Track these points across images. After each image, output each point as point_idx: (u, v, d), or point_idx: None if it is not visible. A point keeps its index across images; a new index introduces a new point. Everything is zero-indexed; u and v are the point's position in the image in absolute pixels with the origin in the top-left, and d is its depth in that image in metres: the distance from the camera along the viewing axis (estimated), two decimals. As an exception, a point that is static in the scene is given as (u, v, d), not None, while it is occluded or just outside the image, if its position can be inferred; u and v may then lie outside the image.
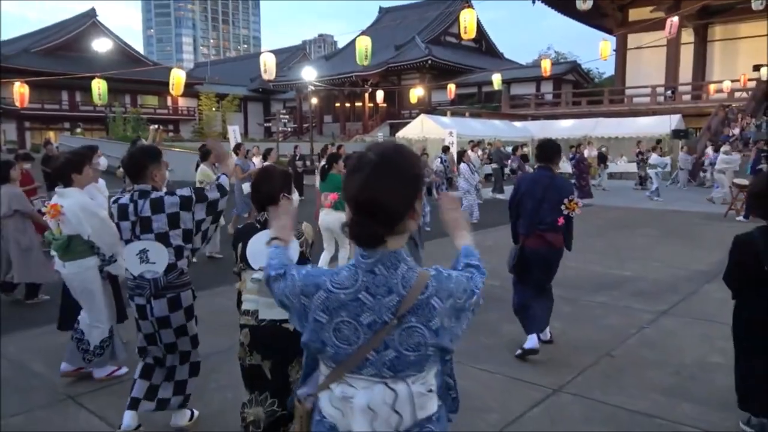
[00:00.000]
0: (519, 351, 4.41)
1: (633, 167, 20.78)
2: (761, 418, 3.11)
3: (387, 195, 1.39)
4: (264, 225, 2.60)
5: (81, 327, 4.04)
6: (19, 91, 13.64)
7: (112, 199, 3.22)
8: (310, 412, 1.57)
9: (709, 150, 18.13)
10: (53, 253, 4.01)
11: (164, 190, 3.22)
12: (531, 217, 4.39)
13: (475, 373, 4.12)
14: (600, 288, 6.44)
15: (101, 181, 5.46)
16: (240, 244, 2.66)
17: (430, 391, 1.49)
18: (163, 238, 3.04)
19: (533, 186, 4.45)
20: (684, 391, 3.83)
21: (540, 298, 4.51)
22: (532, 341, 4.36)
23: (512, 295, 4.65)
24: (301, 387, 1.64)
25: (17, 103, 14.17)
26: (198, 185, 6.28)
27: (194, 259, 7.26)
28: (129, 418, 3.18)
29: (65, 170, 4.01)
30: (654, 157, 16.29)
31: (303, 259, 2.52)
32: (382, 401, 1.41)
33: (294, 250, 2.45)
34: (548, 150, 4.53)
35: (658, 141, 19.20)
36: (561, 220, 4.34)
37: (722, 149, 15.80)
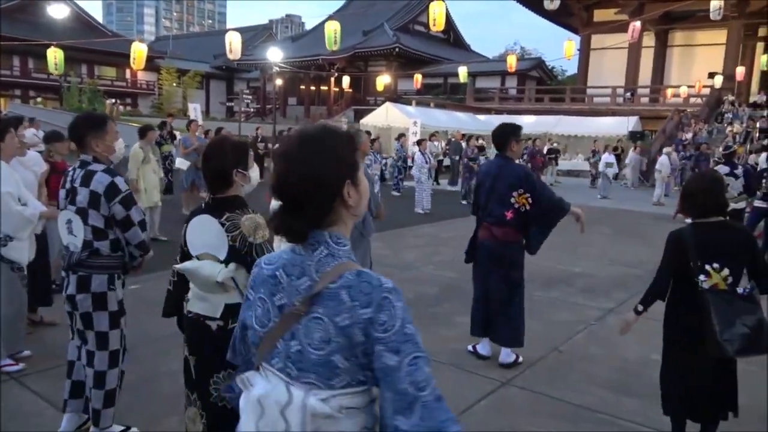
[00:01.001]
0: (471, 348, 4.44)
1: (587, 165, 21.34)
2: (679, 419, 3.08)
3: (310, 182, 1.27)
4: (209, 207, 2.34)
5: None
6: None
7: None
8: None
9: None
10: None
11: (112, 165, 3.01)
12: (481, 208, 4.29)
13: (433, 366, 4.17)
14: (552, 283, 6.62)
15: (31, 154, 4.96)
16: (186, 224, 2.41)
17: (340, 413, 1.23)
18: (82, 213, 2.83)
19: (484, 176, 4.38)
20: (626, 387, 3.99)
21: (499, 304, 4.24)
22: (485, 347, 4.37)
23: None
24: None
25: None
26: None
27: (164, 237, 7.06)
28: (66, 423, 3.03)
29: None
30: (605, 156, 16.83)
31: (243, 257, 2.27)
32: (274, 400, 1.26)
33: (219, 242, 2.24)
34: (500, 134, 4.21)
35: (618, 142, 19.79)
36: (509, 214, 4.08)
37: (664, 150, 16.50)
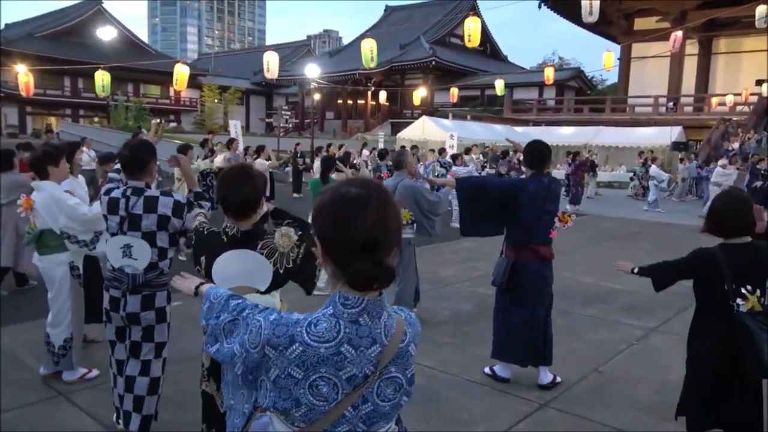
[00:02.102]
0: (489, 371, 4.30)
1: (628, 177, 20.91)
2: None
3: (393, 228, 1.31)
4: (232, 239, 2.30)
5: (47, 329, 3.99)
6: (24, 80, 13.62)
7: (104, 189, 3.16)
8: None
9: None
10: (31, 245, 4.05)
11: (153, 187, 3.21)
12: (528, 230, 4.04)
13: (463, 384, 4.16)
14: (591, 301, 6.49)
15: (80, 178, 5.34)
16: (203, 257, 2.35)
17: None
18: (149, 237, 3.00)
19: (533, 197, 4.01)
20: (669, 411, 3.85)
21: (548, 326, 4.19)
22: (506, 370, 4.23)
23: (494, 313, 4.32)
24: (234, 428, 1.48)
25: (22, 92, 14.12)
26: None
27: (183, 257, 7.26)
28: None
29: (42, 162, 3.91)
30: (654, 169, 16.32)
31: (291, 275, 2.27)
32: None
33: (262, 273, 2.22)
34: (538, 154, 4.10)
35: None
36: (553, 233, 4.10)
37: (719, 162, 15.90)
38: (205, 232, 2.45)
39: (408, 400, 1.42)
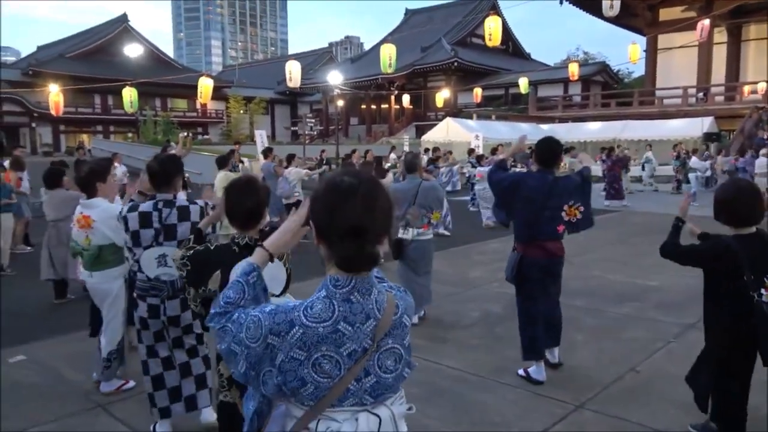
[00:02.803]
0: (523, 373, 4.24)
1: (667, 170, 20.43)
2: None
3: (381, 217, 1.41)
4: (244, 248, 2.33)
5: (100, 337, 4.15)
6: (54, 99, 14.04)
7: (129, 206, 3.24)
8: None
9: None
10: (80, 266, 4.15)
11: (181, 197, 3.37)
12: (530, 226, 4.09)
13: (496, 387, 4.12)
14: (624, 299, 6.37)
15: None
16: (218, 272, 2.34)
17: (410, 409, 1.52)
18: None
19: (533, 192, 4.05)
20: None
21: (558, 319, 4.32)
22: (540, 372, 4.17)
23: (518, 313, 4.37)
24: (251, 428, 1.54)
25: (52, 111, 14.61)
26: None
27: None
28: (166, 426, 3.34)
29: (90, 179, 4.00)
30: (694, 160, 15.87)
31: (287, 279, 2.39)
32: (368, 429, 1.40)
33: (276, 273, 2.27)
34: (550, 151, 4.13)
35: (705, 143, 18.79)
36: (561, 228, 4.08)
37: (761, 152, 15.32)
38: (212, 248, 2.46)
39: (410, 372, 1.52)
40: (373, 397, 1.43)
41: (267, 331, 1.38)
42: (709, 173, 17.09)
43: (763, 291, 2.82)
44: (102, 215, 3.92)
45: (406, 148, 22.11)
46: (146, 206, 3.17)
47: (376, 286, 1.45)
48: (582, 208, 4.06)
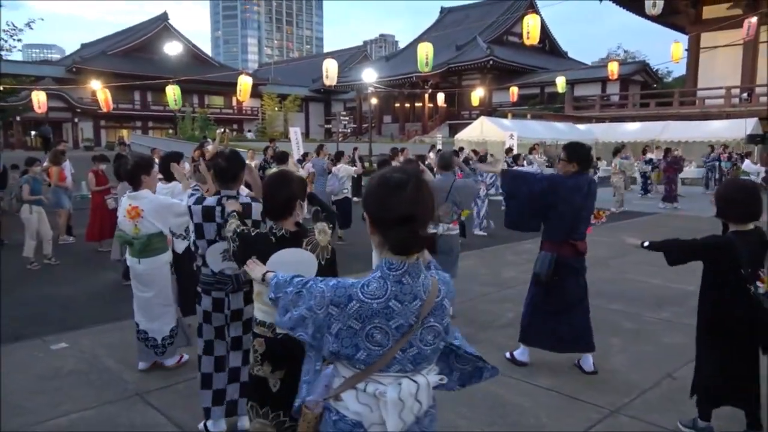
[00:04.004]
0: (509, 356, 4.50)
1: (701, 172, 19.92)
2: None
3: (426, 207, 1.62)
4: (280, 239, 2.51)
5: (142, 327, 4.32)
6: (102, 96, 14.47)
7: (194, 198, 3.26)
8: (320, 416, 1.70)
9: None
10: (127, 253, 4.40)
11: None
12: (569, 226, 4.19)
13: (530, 389, 4.07)
14: (662, 303, 6.23)
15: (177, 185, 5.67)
16: (254, 257, 2.40)
17: (442, 380, 1.74)
18: None
19: (572, 192, 4.14)
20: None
21: (576, 315, 4.33)
22: (525, 354, 4.44)
23: (525, 305, 4.52)
24: (306, 394, 1.75)
25: (102, 107, 15.03)
26: None
27: None
28: (221, 425, 3.40)
29: (137, 172, 4.22)
30: (747, 164, 15.39)
31: (325, 270, 2.45)
32: (408, 393, 1.61)
33: (304, 259, 2.43)
34: (586, 154, 4.26)
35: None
36: (589, 230, 4.36)
37: None
38: (253, 234, 2.60)
39: (443, 345, 1.76)
40: (413, 366, 1.65)
41: (329, 302, 1.61)
42: (762, 176, 16.56)
43: (759, 283, 3.08)
44: (149, 206, 4.16)
45: (440, 147, 22.03)
46: (210, 201, 3.20)
47: (423, 271, 1.66)
48: (608, 212, 4.20)
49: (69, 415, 3.66)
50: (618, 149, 14.72)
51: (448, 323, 1.74)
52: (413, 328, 1.61)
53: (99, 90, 14.73)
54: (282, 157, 9.76)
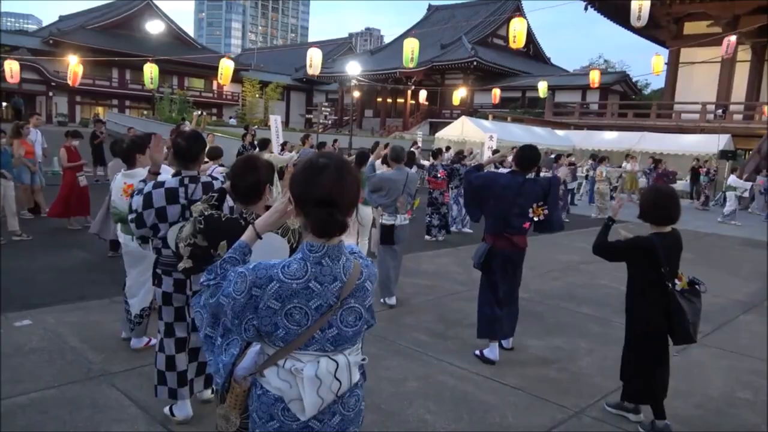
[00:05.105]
0: (479, 353, 4.64)
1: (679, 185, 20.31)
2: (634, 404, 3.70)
3: (348, 192, 1.67)
4: (249, 224, 2.44)
5: (128, 297, 4.36)
6: (73, 70, 14.04)
7: (152, 183, 3.18)
8: (247, 390, 1.77)
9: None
10: (119, 229, 4.43)
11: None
12: (502, 220, 4.56)
13: (497, 387, 4.12)
14: (631, 310, 6.33)
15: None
16: (224, 242, 2.49)
17: (364, 360, 1.81)
18: None
19: (503, 189, 4.55)
20: (708, 425, 3.77)
21: (509, 304, 4.70)
22: (494, 352, 4.59)
23: (478, 304, 4.77)
24: (232, 369, 1.79)
25: (69, 81, 14.60)
26: None
27: None
28: (185, 409, 3.39)
29: (131, 151, 4.30)
30: (733, 179, 15.74)
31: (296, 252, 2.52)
32: (326, 371, 1.66)
33: (276, 245, 2.41)
34: (533, 159, 4.62)
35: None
36: (527, 225, 4.61)
37: None
38: (223, 219, 2.60)
39: (368, 329, 1.82)
40: (333, 346, 1.70)
41: (251, 284, 1.62)
42: (747, 193, 16.97)
43: (676, 281, 3.40)
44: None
45: (420, 144, 22.08)
46: (172, 182, 3.15)
47: (345, 254, 1.71)
48: (546, 210, 4.57)
49: (29, 394, 3.57)
50: (595, 156, 14.96)
51: (371, 305, 1.79)
52: (333, 308, 1.66)
53: (71, 65, 14.29)
54: (263, 145, 9.74)
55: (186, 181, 3.16)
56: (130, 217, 3.25)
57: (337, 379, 1.68)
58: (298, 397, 1.66)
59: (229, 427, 1.85)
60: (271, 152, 9.42)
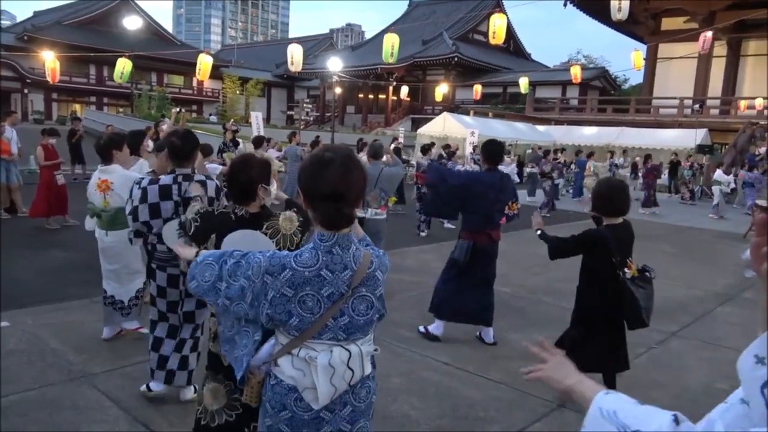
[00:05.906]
0: (423, 330, 4.91)
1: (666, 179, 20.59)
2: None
3: (354, 186, 1.70)
4: (240, 219, 2.53)
5: (109, 294, 4.41)
6: (51, 66, 13.78)
7: (148, 179, 3.32)
8: (262, 381, 1.82)
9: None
10: (93, 224, 4.44)
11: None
12: (485, 218, 4.71)
13: (480, 382, 4.15)
14: (611, 303, 6.41)
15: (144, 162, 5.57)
16: (214, 235, 2.52)
17: (376, 350, 1.83)
18: None
19: (488, 188, 4.67)
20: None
21: (486, 294, 4.91)
22: (439, 328, 4.86)
23: (440, 283, 4.98)
24: (246, 366, 1.82)
25: (48, 78, 14.32)
26: None
27: None
28: (160, 385, 3.48)
29: (108, 147, 4.36)
30: (719, 173, 15.98)
31: None
32: (339, 360, 1.69)
33: (261, 243, 2.42)
34: (498, 151, 4.81)
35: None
36: (503, 220, 4.84)
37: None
38: (216, 212, 2.63)
39: (380, 318, 1.83)
40: (346, 335, 1.72)
41: (264, 270, 1.67)
42: (732, 186, 17.23)
43: (626, 270, 3.54)
44: (120, 180, 4.28)
45: (402, 140, 22.07)
46: (166, 179, 3.26)
47: (355, 243, 1.74)
48: (519, 205, 4.86)
49: (8, 396, 3.51)
50: (590, 154, 15.26)
51: (381, 294, 1.80)
52: (344, 297, 1.69)
53: (48, 61, 14.01)
54: (258, 143, 9.80)
55: (180, 179, 3.25)
56: (127, 209, 3.35)
57: (350, 369, 1.71)
58: (312, 385, 1.68)
59: (215, 404, 1.97)
60: (266, 150, 9.46)
